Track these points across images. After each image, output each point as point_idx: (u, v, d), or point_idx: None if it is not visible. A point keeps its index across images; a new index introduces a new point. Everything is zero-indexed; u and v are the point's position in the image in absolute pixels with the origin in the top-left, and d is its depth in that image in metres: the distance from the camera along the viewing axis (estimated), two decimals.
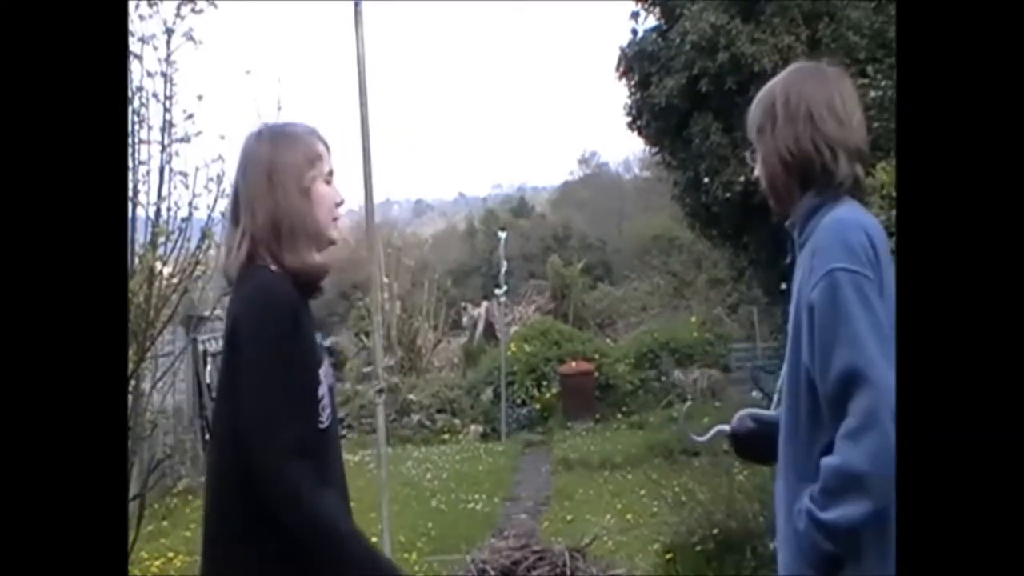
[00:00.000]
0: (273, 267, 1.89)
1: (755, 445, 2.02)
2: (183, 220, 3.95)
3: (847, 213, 1.75)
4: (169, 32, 3.80)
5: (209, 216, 3.93)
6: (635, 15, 10.40)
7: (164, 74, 3.83)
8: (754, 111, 1.87)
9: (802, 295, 1.72)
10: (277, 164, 1.91)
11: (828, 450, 1.67)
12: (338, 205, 1.98)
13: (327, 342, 15.69)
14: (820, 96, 1.80)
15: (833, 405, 1.64)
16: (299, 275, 1.89)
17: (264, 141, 1.95)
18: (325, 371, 1.94)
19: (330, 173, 1.97)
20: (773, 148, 1.81)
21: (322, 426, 1.90)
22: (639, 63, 10.08)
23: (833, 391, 1.63)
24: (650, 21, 10.41)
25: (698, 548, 5.05)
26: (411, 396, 14.04)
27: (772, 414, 2.01)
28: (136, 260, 3.83)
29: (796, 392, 1.74)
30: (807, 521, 1.65)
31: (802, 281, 1.74)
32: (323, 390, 1.91)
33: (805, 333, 1.70)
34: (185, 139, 3.88)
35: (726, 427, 2.05)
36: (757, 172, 1.88)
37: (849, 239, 1.68)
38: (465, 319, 20.12)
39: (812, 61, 1.95)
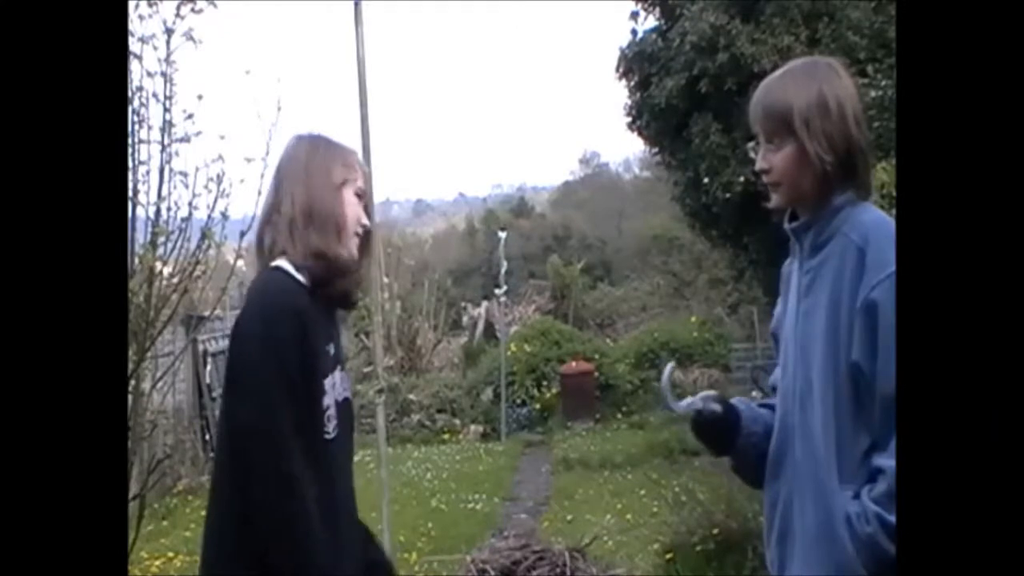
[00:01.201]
0: (288, 265, 1.90)
1: (714, 431, 1.94)
2: (183, 220, 3.94)
3: (881, 213, 1.74)
4: (169, 32, 3.79)
5: (209, 216, 3.92)
6: (635, 15, 10.42)
7: (164, 74, 3.83)
8: (792, 103, 1.76)
9: (843, 293, 1.69)
10: (315, 159, 2.00)
11: (869, 451, 1.66)
12: (362, 226, 2.01)
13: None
14: (855, 96, 1.79)
15: (893, 405, 1.59)
16: (322, 265, 1.90)
17: (304, 142, 2.04)
18: (334, 382, 1.93)
19: (363, 192, 2.03)
20: (824, 145, 1.73)
21: (328, 436, 1.89)
22: (639, 63, 10.10)
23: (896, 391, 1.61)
24: (650, 21, 10.43)
25: (698, 548, 5.05)
26: (411, 396, 14.03)
27: (739, 402, 1.96)
28: (136, 260, 3.82)
29: (836, 392, 1.70)
30: (876, 525, 1.61)
31: (839, 279, 1.70)
32: (328, 400, 1.89)
33: (859, 332, 1.66)
34: (185, 139, 3.87)
35: (700, 403, 1.93)
36: (778, 165, 1.79)
37: None
38: (465, 319, 20.12)
39: (820, 57, 1.92)
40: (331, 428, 1.90)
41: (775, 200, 1.83)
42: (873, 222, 1.71)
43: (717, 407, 1.91)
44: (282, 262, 1.91)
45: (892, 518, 1.59)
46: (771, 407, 1.95)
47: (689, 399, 1.93)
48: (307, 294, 1.89)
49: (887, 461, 1.61)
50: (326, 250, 1.91)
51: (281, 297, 1.86)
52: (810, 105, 1.74)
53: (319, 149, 2.01)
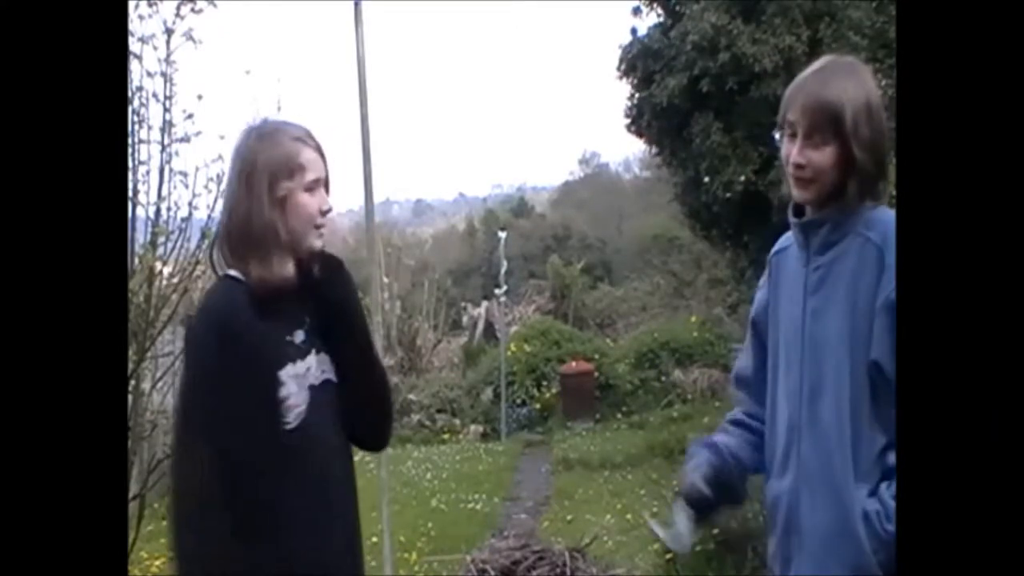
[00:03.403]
0: (237, 274, 1.89)
1: (712, 503, 1.93)
2: (183, 220, 3.94)
3: (894, 214, 1.75)
4: (169, 32, 3.79)
5: (209, 216, 3.92)
6: (636, 11, 10.43)
7: (164, 74, 3.83)
8: (845, 103, 1.72)
9: (860, 292, 1.69)
10: (256, 168, 1.88)
11: (885, 449, 1.66)
12: (324, 213, 1.92)
13: None
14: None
15: None
16: (263, 286, 1.87)
17: (251, 141, 1.92)
18: (303, 370, 1.91)
19: (316, 181, 1.91)
20: (865, 149, 1.71)
21: (288, 427, 1.88)
22: (641, 61, 10.10)
23: None
24: (651, 18, 10.44)
25: (698, 548, 5.04)
26: (411, 396, 14.06)
27: (708, 451, 1.94)
28: (136, 260, 3.83)
29: (854, 389, 1.69)
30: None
31: (857, 278, 1.70)
32: (287, 390, 1.88)
33: (879, 331, 1.65)
34: (185, 139, 3.88)
35: (687, 520, 1.94)
36: (817, 161, 1.74)
37: None
38: (465, 319, 20.14)
39: (854, 58, 1.90)
40: (292, 417, 1.88)
41: (802, 196, 1.79)
42: (891, 221, 1.69)
43: (703, 488, 1.90)
44: (233, 270, 1.90)
45: None
46: (739, 423, 1.99)
47: (678, 524, 1.95)
48: (256, 295, 1.87)
49: None
50: (268, 276, 1.86)
51: (215, 310, 1.88)
52: (861, 108, 1.72)
53: (261, 154, 1.88)
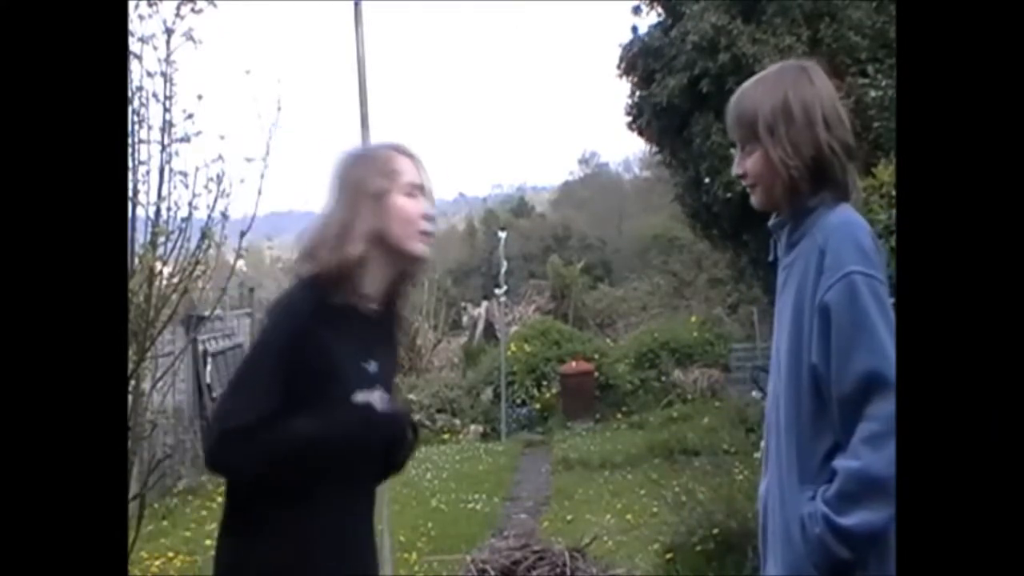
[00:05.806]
0: (317, 274, 1.91)
1: None
2: (183, 220, 3.93)
3: (849, 215, 1.75)
4: (169, 32, 3.79)
5: (209, 216, 3.92)
6: (637, 10, 10.44)
7: (164, 74, 3.82)
8: (757, 109, 1.79)
9: (806, 294, 1.71)
10: (353, 179, 1.96)
11: (832, 452, 1.67)
12: (426, 219, 2.00)
13: None
14: (828, 98, 1.79)
15: (849, 408, 1.62)
16: (340, 273, 1.89)
17: (347, 161, 2.02)
18: (368, 397, 1.91)
19: (414, 186, 1.99)
20: (789, 151, 1.74)
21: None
22: (641, 60, 10.10)
23: (851, 394, 1.62)
24: (651, 18, 10.44)
25: (698, 548, 5.04)
26: (411, 396, 14.03)
27: None
28: (136, 260, 3.82)
29: (797, 392, 1.72)
30: (823, 526, 1.62)
31: (804, 280, 1.72)
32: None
33: (816, 334, 1.67)
34: (185, 139, 3.87)
35: None
36: (751, 169, 1.82)
37: (861, 241, 1.68)
38: (465, 319, 20.14)
39: (796, 60, 1.94)
40: None
41: (754, 201, 1.87)
42: (835, 224, 1.72)
43: None
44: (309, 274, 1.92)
45: (841, 520, 1.60)
46: None
47: None
48: (345, 316, 1.90)
49: (842, 462, 1.63)
50: (341, 260, 1.88)
51: (295, 299, 1.91)
52: (775, 112, 1.76)
53: (358, 167, 1.99)
